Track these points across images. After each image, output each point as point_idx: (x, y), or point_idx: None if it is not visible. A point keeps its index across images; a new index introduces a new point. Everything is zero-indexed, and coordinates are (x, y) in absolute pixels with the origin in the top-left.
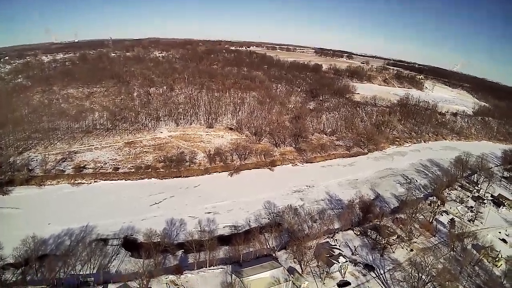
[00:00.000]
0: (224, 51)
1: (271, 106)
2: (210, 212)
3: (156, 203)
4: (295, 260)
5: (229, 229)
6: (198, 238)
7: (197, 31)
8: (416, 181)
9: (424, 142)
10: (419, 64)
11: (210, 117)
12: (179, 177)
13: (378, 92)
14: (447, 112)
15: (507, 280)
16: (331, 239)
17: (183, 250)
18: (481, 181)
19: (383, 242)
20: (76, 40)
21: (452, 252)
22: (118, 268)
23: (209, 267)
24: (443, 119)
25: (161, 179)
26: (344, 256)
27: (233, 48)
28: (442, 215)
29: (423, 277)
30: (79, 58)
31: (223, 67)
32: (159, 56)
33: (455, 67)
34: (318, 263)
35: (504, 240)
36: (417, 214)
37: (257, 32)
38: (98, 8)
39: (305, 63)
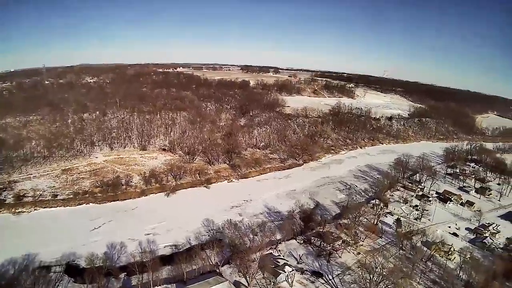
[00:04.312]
0: (152, 73)
1: (202, 125)
2: (149, 234)
3: (95, 228)
4: (239, 273)
5: (170, 248)
6: (140, 259)
7: (125, 56)
8: (356, 186)
9: (361, 148)
10: (347, 74)
11: (143, 140)
12: (117, 200)
13: (308, 104)
14: (382, 117)
15: (462, 272)
16: (274, 250)
17: (125, 273)
18: (424, 180)
19: (328, 248)
20: (12, 70)
21: (401, 251)
22: None
23: (153, 287)
24: (378, 124)
25: (99, 203)
26: (289, 265)
27: (160, 70)
28: (387, 217)
29: (374, 277)
30: (15, 87)
31: (152, 90)
32: (90, 81)
33: (385, 73)
34: (263, 274)
35: (455, 234)
36: (360, 218)
37: (184, 54)
38: (32, 36)
39: (232, 80)
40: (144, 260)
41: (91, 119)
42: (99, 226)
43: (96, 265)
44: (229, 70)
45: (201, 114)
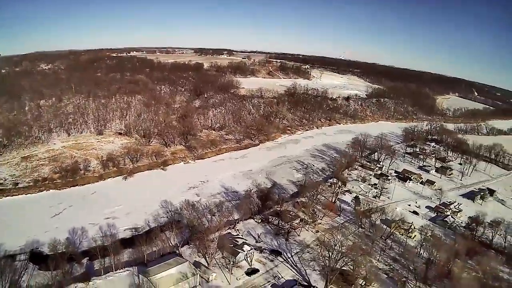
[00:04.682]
0: (106, 58)
1: (157, 108)
2: (109, 217)
3: (56, 214)
4: (199, 254)
5: (130, 231)
6: (101, 243)
7: (79, 42)
8: (313, 165)
9: (317, 128)
10: (303, 55)
11: (99, 124)
12: (76, 185)
13: (263, 85)
14: (339, 97)
15: (423, 249)
16: (233, 230)
17: (88, 258)
18: (382, 159)
19: (287, 226)
20: None
21: (360, 229)
22: (29, 283)
23: (115, 271)
24: (335, 105)
25: (59, 189)
26: (248, 245)
27: (114, 55)
28: (345, 195)
29: (333, 255)
30: None
31: (107, 74)
32: (45, 68)
33: (342, 55)
34: (223, 254)
35: (415, 212)
36: (318, 196)
37: (137, 38)
38: None
39: (186, 63)
40: (105, 244)
41: (48, 105)
42: (60, 212)
43: (59, 251)
44: (183, 53)
45: (156, 97)
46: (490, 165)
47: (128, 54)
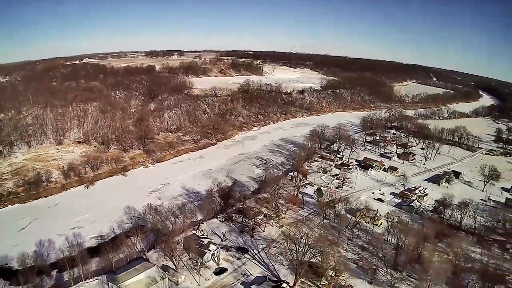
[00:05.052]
0: (60, 67)
1: (113, 114)
2: (74, 227)
3: (23, 228)
4: (166, 257)
5: (96, 240)
6: (69, 254)
7: (32, 52)
8: (272, 160)
9: (274, 123)
10: (254, 51)
11: (58, 134)
12: (40, 198)
13: (216, 83)
14: (293, 91)
15: (391, 236)
16: (197, 230)
17: (57, 270)
18: (342, 149)
19: (251, 223)
20: None
21: (325, 220)
22: None
23: (85, 280)
24: (290, 98)
25: (24, 203)
26: (214, 244)
27: (68, 63)
28: (307, 187)
29: (300, 248)
30: None
31: (62, 83)
32: (3, 81)
33: (293, 48)
34: (189, 255)
35: (380, 200)
36: (280, 191)
37: (89, 44)
38: None
39: (138, 66)
40: (73, 254)
41: (8, 119)
42: (26, 226)
43: (28, 265)
44: (134, 56)
45: (111, 103)
46: (454, 148)
47: (81, 61)
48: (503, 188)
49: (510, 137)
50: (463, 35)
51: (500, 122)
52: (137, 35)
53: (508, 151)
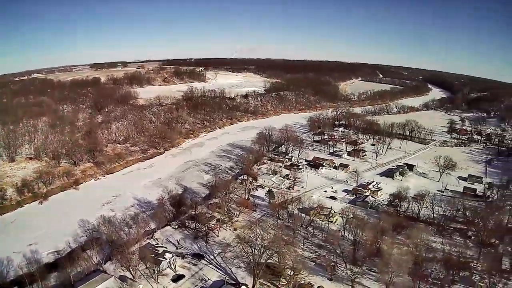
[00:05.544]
0: (10, 83)
1: (62, 128)
2: (31, 244)
3: None
4: (123, 268)
5: (53, 255)
6: (28, 271)
7: None
8: (221, 165)
9: (220, 128)
10: (196, 59)
11: (10, 151)
12: None
13: (161, 92)
14: (237, 95)
15: (347, 232)
16: (152, 239)
17: (16, 287)
18: (291, 150)
19: (204, 228)
20: None
21: (279, 221)
22: None
23: None
24: (234, 103)
25: None
26: (169, 252)
27: (17, 79)
28: (258, 190)
29: (256, 250)
30: None
31: (12, 99)
32: None
33: (234, 54)
34: (146, 265)
35: (333, 197)
36: (231, 195)
37: (36, 59)
38: None
39: (84, 79)
40: (32, 270)
41: None
42: None
43: None
44: (80, 69)
45: (60, 117)
46: (406, 142)
47: (30, 77)
48: (460, 178)
49: (463, 128)
50: (408, 31)
51: (452, 114)
52: (81, 49)
53: (463, 141)
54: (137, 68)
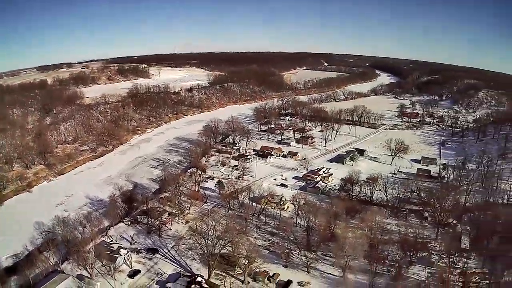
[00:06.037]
0: None
1: (13, 132)
2: None
3: None
4: (80, 267)
5: (12, 259)
6: None
7: None
8: (170, 160)
9: (166, 123)
10: (138, 56)
11: None
12: None
13: (106, 91)
14: (181, 90)
15: (300, 218)
16: (106, 237)
17: None
18: (238, 140)
19: (157, 223)
20: None
21: (230, 211)
22: None
23: None
24: (179, 98)
25: None
26: (124, 248)
27: None
28: (207, 182)
29: (209, 240)
30: None
31: None
32: None
33: (175, 49)
34: (102, 262)
35: (283, 185)
36: (181, 188)
37: None
38: None
39: (31, 81)
40: None
41: None
42: None
43: None
44: (27, 73)
45: (9, 121)
46: (355, 127)
47: None
48: (413, 160)
49: (414, 111)
50: (352, 18)
51: (402, 98)
52: (29, 53)
53: (414, 124)
54: (81, 68)
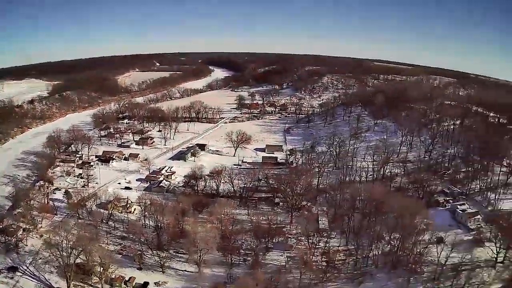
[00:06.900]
0: None
1: None
2: None
3: None
4: None
5: None
6: None
7: None
8: (19, 175)
9: (12, 138)
10: None
11: None
12: None
13: None
14: (24, 103)
15: (147, 219)
16: None
17: None
18: (81, 148)
19: (13, 240)
20: None
21: (80, 220)
22: None
23: None
24: (23, 111)
25: None
26: None
27: None
28: (55, 193)
29: (64, 251)
30: None
31: None
32: None
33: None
34: None
35: (128, 188)
36: (31, 202)
37: None
38: None
39: None
40: None
41: None
42: None
43: None
44: None
45: None
46: (194, 124)
47: None
48: (257, 149)
49: (254, 102)
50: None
51: (240, 90)
52: None
53: (255, 114)
54: None
